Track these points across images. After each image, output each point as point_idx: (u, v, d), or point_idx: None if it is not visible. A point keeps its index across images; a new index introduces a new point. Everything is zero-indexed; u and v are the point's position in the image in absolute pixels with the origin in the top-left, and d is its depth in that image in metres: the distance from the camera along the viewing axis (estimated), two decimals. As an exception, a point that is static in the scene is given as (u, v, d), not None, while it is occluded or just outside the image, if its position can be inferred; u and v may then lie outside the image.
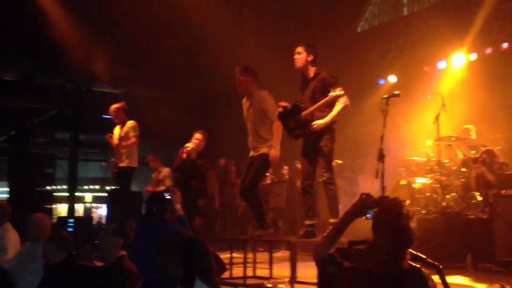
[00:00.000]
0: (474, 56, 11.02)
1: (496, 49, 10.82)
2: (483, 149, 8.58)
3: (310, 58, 6.51)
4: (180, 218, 5.77)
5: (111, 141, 9.02)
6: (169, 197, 6.02)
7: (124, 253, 4.14)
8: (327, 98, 6.14)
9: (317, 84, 6.40)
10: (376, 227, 2.93)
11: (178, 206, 5.85)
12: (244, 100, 7.07)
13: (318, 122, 6.23)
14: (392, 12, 14.47)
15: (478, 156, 8.44)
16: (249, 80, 6.88)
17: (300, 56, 6.52)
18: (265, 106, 6.77)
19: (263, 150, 6.75)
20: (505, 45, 10.66)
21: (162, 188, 11.62)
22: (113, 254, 4.10)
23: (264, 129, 6.79)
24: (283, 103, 6.60)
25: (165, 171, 11.71)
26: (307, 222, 6.50)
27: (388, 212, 2.93)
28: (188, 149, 7.97)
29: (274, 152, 6.67)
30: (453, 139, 9.20)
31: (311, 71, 6.52)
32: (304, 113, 6.33)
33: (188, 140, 8.15)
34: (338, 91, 6.07)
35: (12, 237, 6.35)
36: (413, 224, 2.87)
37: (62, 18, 12.01)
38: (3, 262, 6.08)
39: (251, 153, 6.96)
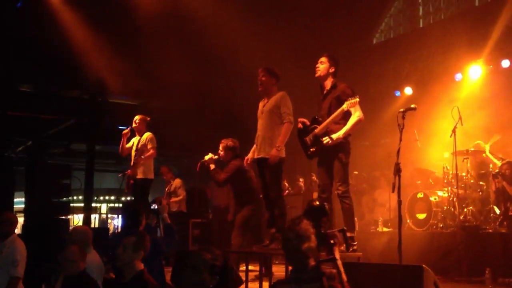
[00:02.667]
0: (490, 68, 10.94)
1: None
2: (502, 161, 8.52)
3: (332, 69, 6.51)
4: (167, 226, 5.91)
5: (124, 133, 9.01)
6: (156, 207, 6.16)
7: (142, 266, 4.15)
8: (343, 107, 6.13)
9: (334, 97, 6.40)
10: None
11: (165, 215, 6.00)
12: (261, 101, 7.03)
13: (332, 137, 6.21)
14: (407, 24, 14.46)
15: (497, 170, 8.38)
16: (271, 81, 6.85)
17: (323, 65, 6.52)
18: (281, 106, 6.68)
19: (271, 152, 6.60)
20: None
21: (175, 199, 11.63)
22: (133, 268, 4.11)
23: (275, 128, 6.72)
24: (302, 119, 6.57)
25: (177, 182, 11.70)
26: None
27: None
28: (203, 160, 8.01)
29: (275, 152, 6.54)
30: (470, 151, 9.14)
31: (329, 82, 6.51)
32: (318, 128, 6.32)
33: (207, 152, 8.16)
34: (352, 100, 6.06)
35: (21, 248, 6.33)
36: (290, 234, 3.55)
37: (79, 29, 12.11)
38: (16, 273, 6.09)
39: (257, 154, 6.86)
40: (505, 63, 10.67)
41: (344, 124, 6.31)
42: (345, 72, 12.52)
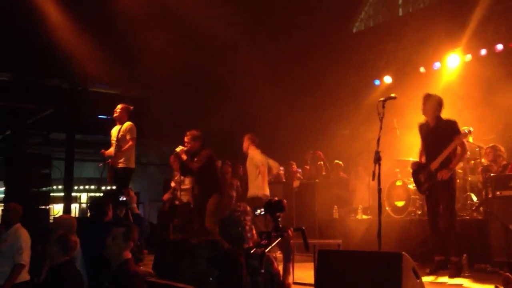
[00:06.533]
0: (468, 57, 11.05)
1: (490, 50, 10.86)
2: (482, 148, 8.69)
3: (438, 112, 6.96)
4: (136, 216, 6.05)
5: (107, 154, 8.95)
6: (124, 198, 6.28)
7: (129, 255, 4.20)
8: (456, 142, 6.60)
9: (442, 133, 6.86)
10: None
11: (134, 205, 6.15)
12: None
13: (447, 170, 6.62)
14: (387, 13, 14.53)
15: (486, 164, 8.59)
16: None
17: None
18: None
19: None
20: (499, 46, 10.71)
21: (184, 187, 11.11)
22: (120, 257, 4.16)
23: None
24: (415, 162, 7.17)
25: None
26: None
27: None
28: (175, 152, 8.26)
29: None
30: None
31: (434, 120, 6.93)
32: (433, 164, 6.72)
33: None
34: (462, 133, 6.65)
35: (25, 236, 6.40)
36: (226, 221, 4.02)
37: (58, 17, 11.99)
38: (21, 260, 6.15)
39: None
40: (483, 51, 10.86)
41: None
42: (326, 61, 12.70)
